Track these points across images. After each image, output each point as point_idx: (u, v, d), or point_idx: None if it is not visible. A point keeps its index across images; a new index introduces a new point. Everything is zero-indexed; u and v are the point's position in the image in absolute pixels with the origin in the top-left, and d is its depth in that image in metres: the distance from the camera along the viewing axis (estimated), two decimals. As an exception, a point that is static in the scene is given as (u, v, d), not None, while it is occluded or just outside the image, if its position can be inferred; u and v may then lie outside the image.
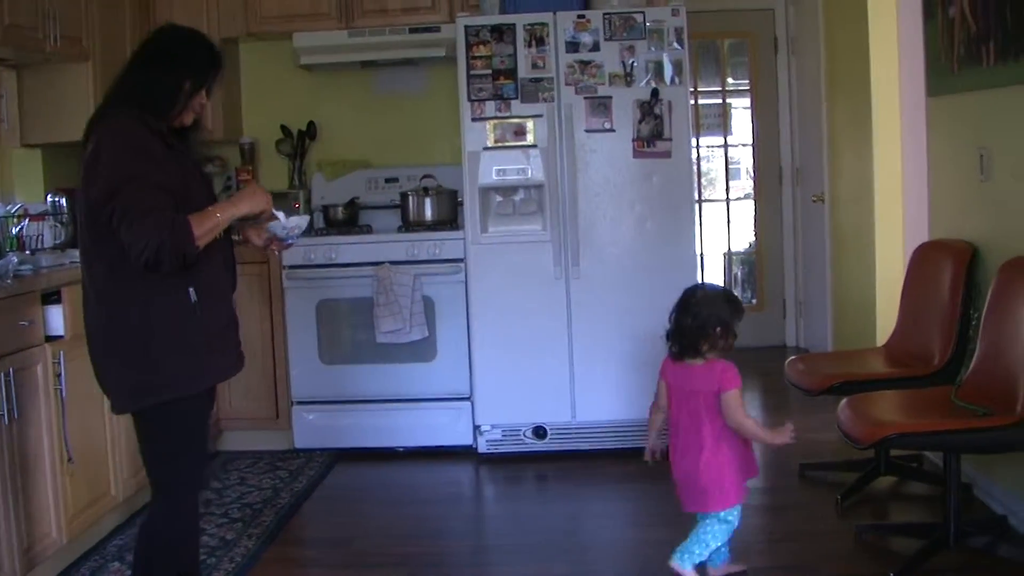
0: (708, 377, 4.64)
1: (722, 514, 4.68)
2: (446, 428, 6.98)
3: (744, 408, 4.62)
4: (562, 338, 6.76)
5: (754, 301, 10.23)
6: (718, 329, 4.62)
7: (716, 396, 4.61)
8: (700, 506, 4.70)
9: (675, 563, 4.70)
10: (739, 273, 10.46)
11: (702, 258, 9.56)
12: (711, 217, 10.22)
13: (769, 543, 5.38)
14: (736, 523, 4.72)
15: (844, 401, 5.12)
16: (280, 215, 4.28)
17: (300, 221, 4.36)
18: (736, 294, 4.99)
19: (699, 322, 4.62)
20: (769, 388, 8.63)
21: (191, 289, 4.02)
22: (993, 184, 5.47)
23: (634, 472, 6.51)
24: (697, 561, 4.71)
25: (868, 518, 5.68)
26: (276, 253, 4.95)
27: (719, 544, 4.73)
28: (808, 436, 6.69)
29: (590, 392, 6.79)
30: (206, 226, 3.92)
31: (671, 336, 4.73)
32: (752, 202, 10.19)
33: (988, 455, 5.43)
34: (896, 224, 7.08)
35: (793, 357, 6.33)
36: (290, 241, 4.41)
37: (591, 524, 5.85)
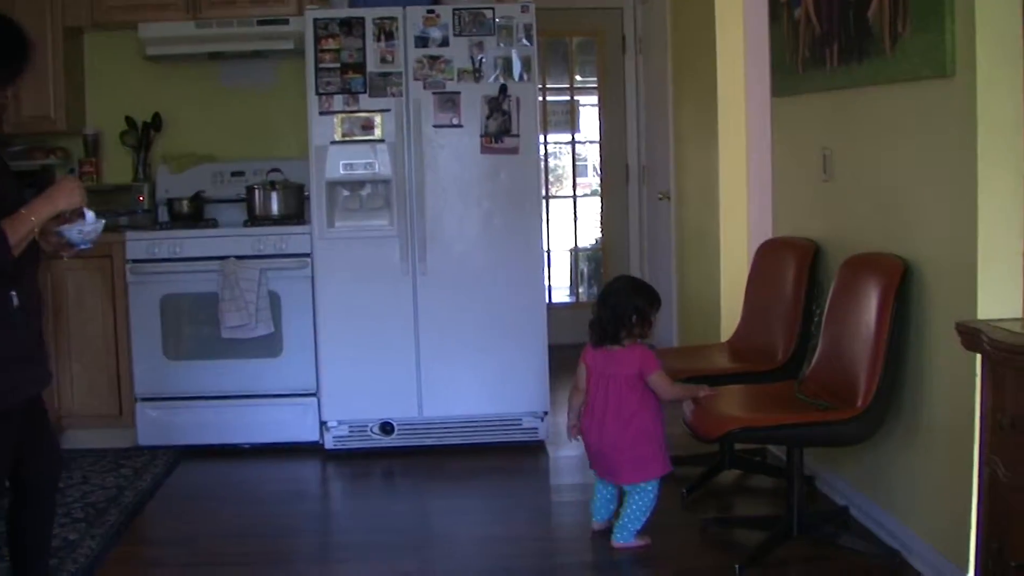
0: (629, 361, 5.08)
1: (651, 485, 5.12)
2: (292, 424, 6.91)
3: (670, 381, 5.11)
4: (409, 333, 6.75)
5: (600, 297, 10.28)
6: (634, 318, 5.09)
7: (637, 377, 5.07)
8: (628, 477, 5.13)
9: (618, 542, 5.15)
10: (585, 269, 10.52)
11: (548, 254, 9.60)
12: (558, 213, 10.26)
13: (615, 537, 5.42)
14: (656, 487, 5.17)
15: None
16: (89, 215, 4.00)
17: (98, 225, 4.11)
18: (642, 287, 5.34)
19: (617, 312, 5.09)
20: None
21: (13, 293, 3.84)
22: (835, 183, 5.57)
23: (482, 468, 6.54)
24: (635, 532, 5.15)
25: (713, 511, 5.75)
26: (64, 258, 4.57)
27: (649, 513, 5.15)
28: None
29: (437, 387, 6.78)
30: (21, 232, 3.73)
31: (592, 325, 5.18)
32: (599, 199, 10.25)
33: (830, 448, 5.53)
34: (740, 221, 7.20)
35: (639, 353, 6.39)
36: (84, 246, 4.09)
37: (438, 520, 5.85)
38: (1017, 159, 4.21)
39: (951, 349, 4.13)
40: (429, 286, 6.72)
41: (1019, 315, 4.19)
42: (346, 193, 6.77)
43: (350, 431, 6.82)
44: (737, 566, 4.79)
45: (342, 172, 6.66)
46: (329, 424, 6.81)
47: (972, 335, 3.63)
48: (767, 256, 6.23)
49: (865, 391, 4.73)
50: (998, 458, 3.47)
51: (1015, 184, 4.22)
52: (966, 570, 4.31)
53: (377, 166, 6.65)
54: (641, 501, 5.13)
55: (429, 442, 6.83)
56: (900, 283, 4.71)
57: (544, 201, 8.53)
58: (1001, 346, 3.41)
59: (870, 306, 4.80)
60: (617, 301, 5.13)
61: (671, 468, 5.22)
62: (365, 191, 6.77)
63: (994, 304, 4.21)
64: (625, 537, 5.14)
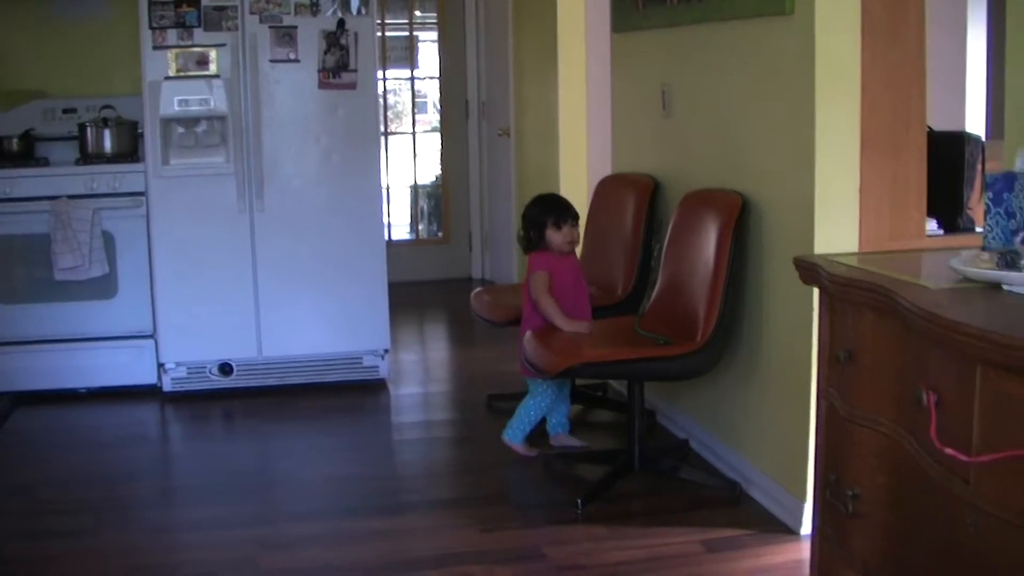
0: (528, 266, 5.44)
1: (544, 391, 5.49)
2: (129, 367, 6.79)
3: (546, 289, 5.28)
4: (247, 272, 6.66)
5: (440, 234, 10.31)
6: (531, 229, 5.42)
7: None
8: (521, 369, 5.38)
9: (506, 438, 5.52)
10: (425, 206, 10.50)
11: (388, 191, 9.55)
12: (397, 150, 10.21)
13: (459, 474, 5.44)
14: (548, 395, 5.51)
15: (529, 332, 5.20)
16: None
17: None
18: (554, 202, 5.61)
19: (523, 224, 5.48)
20: (455, 320, 8.72)
21: None
22: (674, 120, 5.60)
23: (323, 407, 6.51)
24: (521, 436, 5.51)
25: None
26: None
27: (536, 416, 5.51)
28: (494, 367, 6.80)
29: (276, 327, 6.72)
30: None
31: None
32: (438, 135, 10.22)
33: (670, 382, 5.59)
34: (580, 157, 7.23)
35: (479, 289, 6.41)
36: None
37: (279, 461, 5.80)
38: (853, 96, 4.26)
39: (789, 284, 4.18)
40: (267, 224, 6.64)
41: (855, 249, 4.26)
42: (181, 130, 6.63)
43: (188, 373, 6.73)
44: (579, 500, 4.82)
45: (176, 109, 6.52)
46: (167, 366, 6.71)
47: (810, 270, 3.66)
48: (607, 192, 6.25)
49: (704, 326, 4.78)
50: (835, 391, 3.51)
51: (851, 121, 4.27)
52: (804, 500, 4.40)
53: (212, 102, 6.53)
54: (532, 400, 5.49)
55: (270, 382, 6.77)
56: (738, 218, 4.76)
57: (383, 138, 8.47)
58: (839, 280, 3.45)
59: (709, 241, 4.84)
60: (523, 214, 5.51)
61: (544, 376, 5.31)
62: (200, 128, 6.64)
63: (831, 239, 4.27)
64: (512, 436, 5.50)
